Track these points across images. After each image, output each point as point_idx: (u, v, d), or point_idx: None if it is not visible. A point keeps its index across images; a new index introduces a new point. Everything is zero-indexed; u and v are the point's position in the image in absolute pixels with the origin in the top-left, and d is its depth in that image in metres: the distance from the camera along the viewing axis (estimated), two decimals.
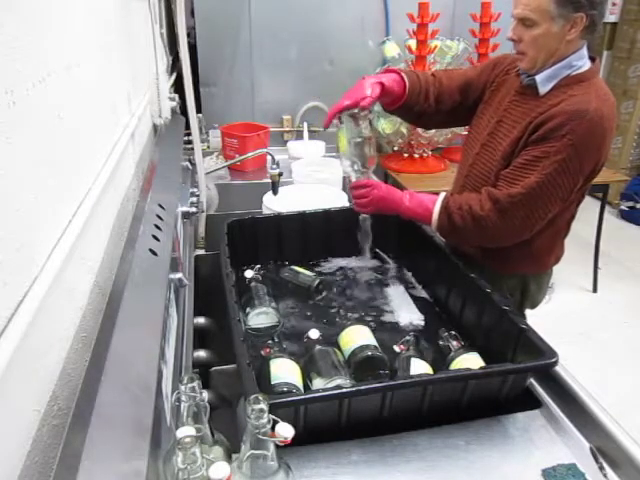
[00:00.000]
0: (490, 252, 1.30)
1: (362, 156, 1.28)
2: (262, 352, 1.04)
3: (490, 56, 2.78)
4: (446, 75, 1.41)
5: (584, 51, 1.19)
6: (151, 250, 0.94)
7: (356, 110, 1.24)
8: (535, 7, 1.13)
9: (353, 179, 1.31)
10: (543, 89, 1.20)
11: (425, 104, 1.36)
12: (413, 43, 2.60)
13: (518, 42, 1.19)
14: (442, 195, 1.27)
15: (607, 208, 3.12)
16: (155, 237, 1.00)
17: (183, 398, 0.66)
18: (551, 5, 1.11)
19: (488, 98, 1.35)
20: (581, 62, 1.19)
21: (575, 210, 1.32)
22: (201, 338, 1.30)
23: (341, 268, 1.47)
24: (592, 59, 1.21)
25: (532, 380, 0.99)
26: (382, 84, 1.28)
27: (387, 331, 1.19)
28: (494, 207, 1.19)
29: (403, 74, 1.34)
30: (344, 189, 2.00)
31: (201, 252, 1.68)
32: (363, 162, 1.29)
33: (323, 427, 0.86)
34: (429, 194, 1.29)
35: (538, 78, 1.20)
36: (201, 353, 1.24)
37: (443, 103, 1.37)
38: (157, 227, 1.04)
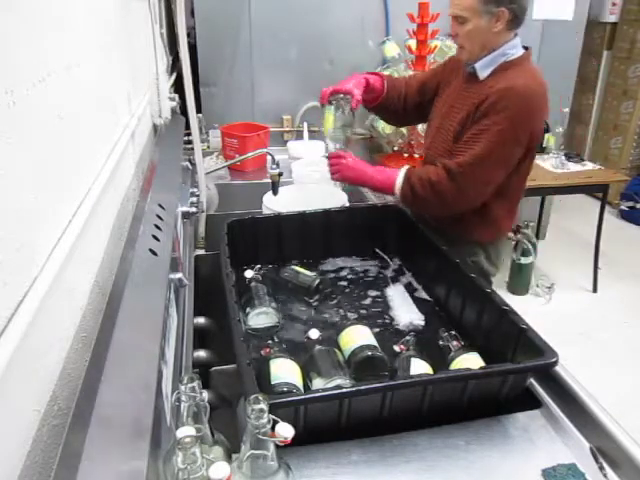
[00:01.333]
0: (452, 220, 1.47)
1: (344, 136, 1.52)
2: (262, 352, 1.04)
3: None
4: (412, 79, 1.68)
5: (516, 41, 1.40)
6: (151, 250, 0.94)
7: (342, 96, 1.48)
8: (464, 6, 1.34)
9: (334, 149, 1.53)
10: (482, 74, 1.41)
11: (398, 104, 1.62)
12: (413, 43, 2.60)
13: (456, 37, 1.41)
14: (404, 168, 1.46)
15: (607, 208, 3.12)
16: (155, 237, 1.00)
17: (183, 398, 0.66)
18: (477, 3, 1.32)
19: (442, 91, 1.56)
20: (514, 50, 1.40)
21: (525, 181, 1.51)
22: (201, 338, 1.30)
23: (341, 268, 1.47)
24: (525, 48, 1.43)
25: (532, 380, 0.99)
26: (367, 80, 1.54)
27: (387, 331, 1.20)
28: (447, 175, 1.37)
29: (384, 76, 1.61)
30: (344, 189, 2.00)
31: (201, 252, 1.68)
32: (344, 140, 1.53)
33: (323, 427, 0.86)
34: (393, 169, 1.49)
35: (477, 66, 1.41)
36: (201, 353, 1.24)
37: (408, 103, 1.63)
38: (157, 227, 1.04)
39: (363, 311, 1.27)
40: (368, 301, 1.32)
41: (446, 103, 1.51)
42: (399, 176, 1.44)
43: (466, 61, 1.44)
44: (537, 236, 3.35)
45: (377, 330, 1.15)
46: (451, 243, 1.29)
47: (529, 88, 1.34)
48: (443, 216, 1.48)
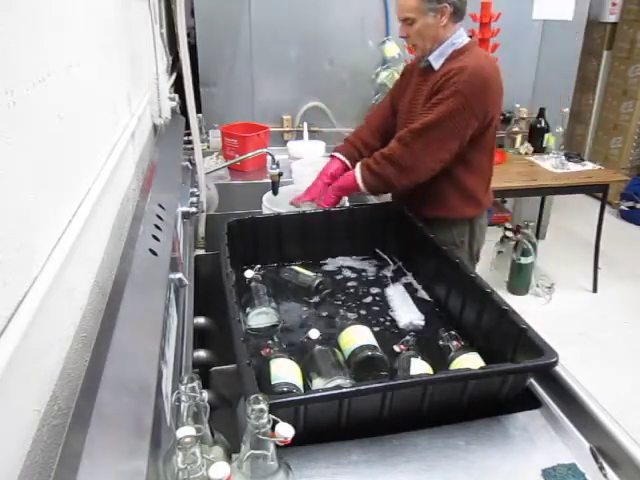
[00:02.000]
0: (436, 203, 1.58)
1: None
2: (262, 352, 1.03)
3: (490, 56, 2.78)
4: (380, 108, 1.79)
5: (461, 31, 1.53)
6: (151, 250, 0.94)
7: (310, 202, 1.62)
8: (410, 8, 1.47)
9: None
10: (436, 64, 1.53)
11: (374, 147, 1.66)
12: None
13: (408, 38, 1.55)
14: (359, 162, 1.56)
15: (607, 208, 3.11)
16: (155, 237, 1.00)
17: (183, 398, 0.66)
18: (420, 4, 1.46)
19: (405, 93, 1.66)
20: (461, 39, 1.52)
21: (492, 155, 1.63)
22: (201, 338, 1.30)
23: (341, 268, 1.47)
24: (470, 36, 1.56)
25: (532, 380, 0.99)
26: (324, 183, 1.64)
27: (387, 331, 1.20)
28: (399, 143, 1.48)
29: (342, 158, 1.69)
30: None
31: (201, 252, 1.68)
32: None
33: (323, 427, 0.86)
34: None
35: (431, 58, 1.54)
36: (201, 353, 1.24)
37: (388, 129, 1.69)
38: (157, 227, 1.04)
39: (363, 311, 1.27)
40: (368, 301, 1.32)
41: (408, 101, 1.62)
42: (356, 169, 1.54)
43: (421, 57, 1.58)
44: (537, 236, 3.35)
45: (377, 330, 1.15)
46: (441, 226, 1.43)
47: (477, 65, 1.45)
48: (424, 196, 1.56)
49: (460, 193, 1.59)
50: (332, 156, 1.73)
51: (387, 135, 1.65)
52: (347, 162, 1.68)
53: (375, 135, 1.73)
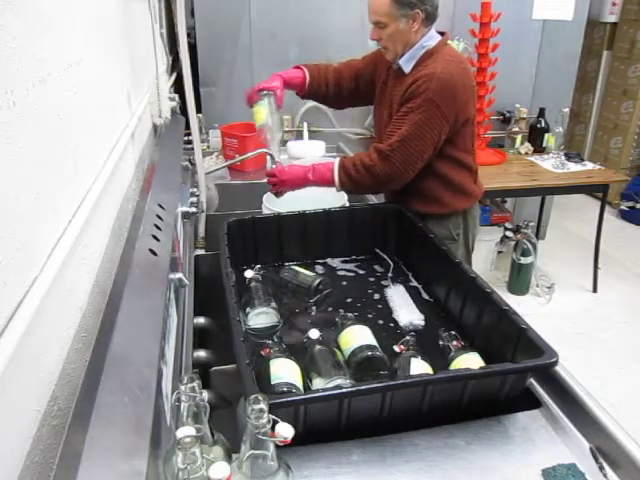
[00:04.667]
0: (430, 200, 1.60)
1: (278, 127, 1.66)
2: (262, 352, 1.03)
3: (490, 56, 2.79)
4: (346, 66, 1.76)
5: (432, 32, 1.53)
6: (151, 250, 0.94)
7: (266, 92, 1.61)
8: (382, 13, 1.47)
9: (271, 144, 1.66)
10: (407, 68, 1.54)
11: (327, 90, 1.73)
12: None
13: (379, 40, 1.54)
14: (337, 160, 1.56)
15: (607, 208, 3.11)
16: (155, 237, 1.00)
17: (183, 398, 0.66)
18: (392, 9, 1.45)
19: (381, 89, 1.66)
20: (431, 41, 1.52)
21: (473, 151, 1.65)
22: (201, 338, 1.30)
23: (341, 268, 1.47)
24: (442, 34, 1.55)
25: (532, 380, 0.99)
26: (281, 75, 1.66)
27: (387, 331, 1.20)
28: (379, 156, 1.49)
29: (305, 69, 1.71)
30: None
31: (201, 252, 1.68)
32: (280, 131, 1.68)
33: (323, 427, 0.86)
34: (327, 162, 1.58)
35: (401, 62, 1.54)
36: (201, 353, 1.24)
37: (342, 88, 1.73)
38: (157, 227, 1.04)
39: (363, 311, 1.27)
40: (368, 301, 1.32)
41: (384, 99, 1.64)
42: (335, 169, 1.54)
43: (391, 60, 1.57)
44: (537, 236, 3.35)
45: (377, 330, 1.15)
46: (436, 222, 1.46)
47: (445, 70, 1.45)
48: (416, 194, 1.59)
49: (450, 189, 1.61)
50: (297, 66, 1.74)
51: (340, 87, 1.72)
52: (307, 76, 1.71)
53: (337, 78, 1.74)
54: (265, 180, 1.65)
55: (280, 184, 1.58)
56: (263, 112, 1.61)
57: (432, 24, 1.52)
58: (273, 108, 1.61)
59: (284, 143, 2.73)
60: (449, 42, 2.38)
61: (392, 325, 1.22)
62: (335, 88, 1.72)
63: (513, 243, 3.01)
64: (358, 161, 1.52)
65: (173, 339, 0.96)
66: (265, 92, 1.60)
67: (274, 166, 1.64)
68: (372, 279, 1.42)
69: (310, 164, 1.59)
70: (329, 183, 1.55)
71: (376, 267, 1.48)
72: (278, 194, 1.62)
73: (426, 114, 1.44)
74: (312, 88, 1.72)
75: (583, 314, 2.93)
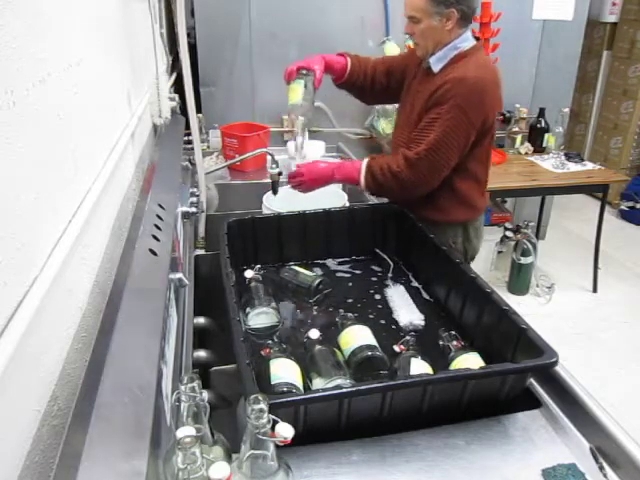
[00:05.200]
0: (429, 206, 1.57)
1: (309, 108, 1.59)
2: (262, 352, 1.03)
3: (490, 56, 2.78)
4: (380, 61, 1.75)
5: (467, 34, 1.51)
6: (151, 250, 0.94)
7: (306, 72, 1.57)
8: (417, 8, 1.45)
9: (300, 122, 1.62)
10: (436, 68, 1.51)
11: (364, 82, 1.70)
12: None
13: (412, 35, 1.52)
14: (365, 160, 1.56)
15: (607, 208, 3.11)
16: (155, 237, 1.00)
17: (183, 398, 0.66)
18: (427, 5, 1.43)
19: (408, 85, 1.65)
20: (465, 43, 1.50)
21: (487, 162, 1.62)
22: (201, 338, 1.29)
23: (341, 268, 1.47)
24: (477, 39, 1.54)
25: (532, 380, 0.99)
26: (326, 60, 1.64)
27: (387, 331, 1.20)
28: (406, 163, 1.48)
29: (347, 57, 1.70)
30: (344, 189, 2.00)
31: (201, 252, 1.68)
32: (310, 113, 1.60)
33: (323, 427, 0.86)
34: (354, 162, 1.59)
35: (431, 60, 1.52)
36: (201, 353, 1.24)
37: (375, 83, 1.71)
38: (157, 227, 1.04)
39: (363, 311, 1.27)
40: (368, 301, 1.32)
41: (409, 96, 1.62)
42: (362, 170, 1.54)
43: (422, 57, 1.55)
44: (537, 236, 3.35)
45: (377, 330, 1.15)
46: (434, 229, 1.41)
47: (476, 77, 1.44)
48: (418, 200, 1.57)
49: (454, 198, 1.59)
50: (342, 54, 1.73)
51: (374, 82, 1.70)
52: (349, 66, 1.69)
53: (372, 72, 1.72)
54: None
55: (303, 184, 1.58)
56: (297, 92, 1.56)
57: (467, 25, 1.50)
58: (309, 89, 1.57)
59: (284, 143, 2.74)
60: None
61: (392, 325, 1.22)
62: (370, 82, 1.71)
63: (513, 243, 3.00)
64: (385, 165, 1.51)
65: (173, 339, 0.96)
66: (304, 72, 1.56)
67: (293, 167, 1.62)
68: (372, 279, 1.42)
69: (334, 162, 1.61)
70: (354, 183, 1.56)
71: (376, 267, 1.48)
72: (302, 192, 1.61)
73: (454, 121, 1.43)
74: (351, 77, 1.69)
75: (583, 314, 2.93)
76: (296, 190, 1.61)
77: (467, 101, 1.42)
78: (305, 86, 1.56)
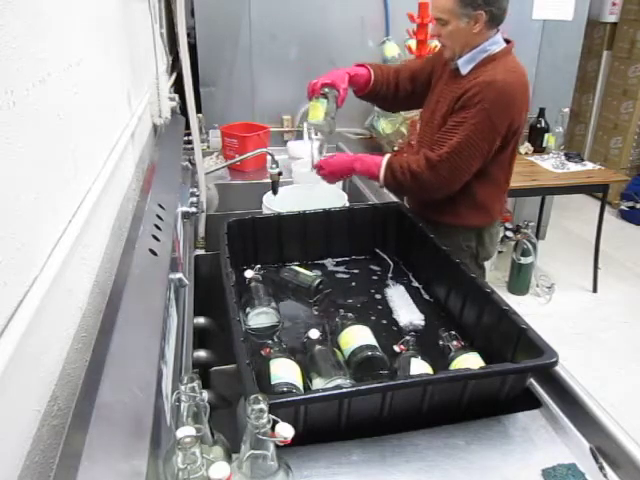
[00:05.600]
0: (443, 209, 1.56)
1: (330, 127, 1.58)
2: (262, 352, 1.03)
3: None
4: (403, 67, 1.74)
5: (497, 37, 1.48)
6: (151, 250, 0.94)
7: (328, 90, 1.54)
8: (444, 9, 1.42)
9: (314, 146, 1.65)
10: (464, 70, 1.49)
11: (387, 91, 1.69)
12: (413, 43, 2.59)
13: (439, 37, 1.50)
14: (386, 157, 1.55)
15: (607, 208, 3.11)
16: (155, 237, 1.00)
17: (183, 398, 0.66)
18: (455, 7, 1.40)
19: (433, 86, 1.63)
20: (495, 46, 1.47)
21: (509, 168, 1.59)
22: (201, 338, 1.30)
23: (341, 268, 1.47)
24: (507, 41, 1.51)
25: (532, 380, 0.99)
26: (349, 75, 1.62)
27: (387, 331, 1.20)
28: (427, 164, 1.46)
29: (370, 68, 1.67)
30: (344, 189, 2.00)
31: (201, 252, 1.68)
32: (329, 130, 1.59)
33: (323, 427, 0.86)
34: (375, 156, 1.58)
35: (459, 62, 1.49)
36: (201, 353, 1.24)
37: (399, 90, 1.69)
38: (157, 227, 1.04)
39: (363, 311, 1.27)
40: (368, 301, 1.32)
41: (434, 97, 1.59)
42: (382, 166, 1.53)
43: (449, 59, 1.52)
44: (537, 236, 3.35)
45: (377, 330, 1.15)
46: (447, 231, 1.42)
47: (505, 81, 1.41)
48: (430, 202, 1.57)
49: (470, 202, 1.56)
50: (363, 65, 1.70)
51: (397, 89, 1.68)
52: (372, 78, 1.66)
53: (395, 79, 1.69)
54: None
55: (329, 175, 1.60)
56: (319, 110, 1.54)
57: (497, 27, 1.47)
58: (332, 107, 1.54)
59: (284, 143, 2.74)
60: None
61: (392, 325, 1.22)
62: (394, 89, 1.69)
63: (513, 243, 3.01)
64: (405, 164, 1.49)
65: (173, 339, 0.96)
66: (327, 90, 1.53)
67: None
68: (372, 279, 1.42)
69: (357, 154, 1.63)
70: (374, 177, 1.55)
71: (376, 267, 1.48)
72: (327, 181, 1.65)
73: (479, 126, 1.40)
74: (375, 88, 1.68)
75: (583, 314, 2.93)
76: (323, 179, 1.63)
77: (494, 106, 1.39)
78: (327, 104, 1.53)
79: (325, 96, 1.53)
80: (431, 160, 1.45)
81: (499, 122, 1.41)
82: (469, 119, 1.41)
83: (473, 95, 1.40)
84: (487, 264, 1.76)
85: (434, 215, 1.55)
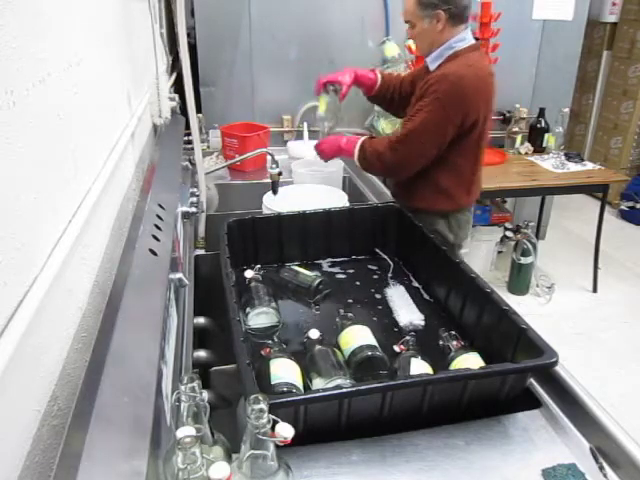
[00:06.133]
0: (414, 193, 1.71)
1: (334, 118, 1.78)
2: (262, 352, 1.03)
3: (490, 56, 2.78)
4: (408, 73, 1.92)
5: (464, 35, 1.58)
6: (151, 250, 0.94)
7: (333, 87, 1.72)
8: (409, 12, 1.58)
9: (325, 130, 1.81)
10: (432, 66, 1.62)
11: (393, 94, 1.82)
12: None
13: (413, 39, 1.67)
14: (362, 138, 1.69)
15: (607, 208, 3.11)
16: (155, 237, 1.00)
17: (183, 398, 0.66)
18: (416, 9, 1.55)
19: (417, 85, 1.74)
20: (461, 43, 1.57)
21: (475, 159, 1.68)
22: (201, 338, 1.30)
23: (341, 268, 1.47)
24: (477, 39, 1.63)
25: (532, 380, 0.99)
26: (356, 74, 1.78)
27: (387, 331, 1.20)
28: (388, 145, 1.61)
29: (377, 72, 1.84)
30: (344, 189, 2.00)
31: (201, 252, 1.68)
32: (333, 121, 1.79)
33: (323, 427, 0.86)
34: (357, 138, 1.72)
35: (428, 60, 1.64)
36: (201, 353, 1.24)
37: (403, 93, 1.80)
38: (157, 227, 1.04)
39: (363, 311, 1.27)
40: (368, 301, 1.32)
41: (415, 92, 1.72)
42: (357, 146, 1.68)
43: (423, 57, 1.68)
44: (537, 236, 3.35)
45: (377, 330, 1.15)
46: (417, 215, 1.51)
47: (457, 75, 1.51)
48: (403, 189, 1.75)
49: (434, 188, 1.68)
50: (374, 69, 1.87)
51: (401, 92, 1.81)
52: (379, 80, 1.82)
53: (400, 83, 1.83)
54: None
55: (321, 152, 1.75)
56: (322, 104, 1.75)
57: (461, 23, 1.56)
58: (334, 102, 1.74)
59: (284, 143, 2.74)
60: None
61: (392, 325, 1.22)
62: (398, 93, 1.81)
63: (513, 243, 3.01)
64: (375, 145, 1.65)
65: (173, 339, 0.96)
66: (332, 86, 1.72)
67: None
68: (372, 279, 1.42)
69: (346, 136, 1.77)
70: (351, 156, 1.70)
71: (376, 267, 1.48)
72: (321, 158, 1.79)
73: (432, 114, 1.51)
74: (381, 91, 1.82)
75: (583, 314, 2.93)
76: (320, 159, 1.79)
77: (447, 97, 1.50)
78: (329, 99, 1.73)
79: (327, 92, 1.72)
80: (392, 141, 1.61)
81: (452, 113, 1.51)
82: (424, 107, 1.53)
83: (429, 86, 1.54)
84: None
85: (406, 199, 1.69)
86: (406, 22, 1.61)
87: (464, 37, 1.57)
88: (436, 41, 1.58)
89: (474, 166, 1.69)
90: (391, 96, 1.83)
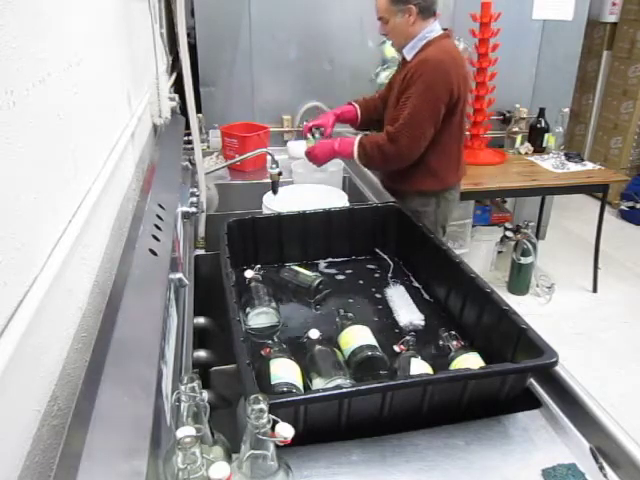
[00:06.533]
0: (401, 177, 1.84)
1: None
2: (262, 352, 1.03)
3: (490, 56, 2.79)
4: (383, 89, 2.05)
5: (434, 26, 1.75)
6: (151, 250, 0.94)
7: (318, 129, 1.98)
8: (382, 9, 1.75)
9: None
10: (409, 57, 1.78)
11: (377, 117, 1.99)
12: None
13: (386, 35, 1.83)
14: (359, 136, 1.82)
15: (607, 208, 3.11)
16: (155, 237, 1.00)
17: (183, 398, 0.66)
18: (389, 5, 1.72)
19: (393, 79, 1.92)
20: (432, 33, 1.74)
21: (460, 137, 1.85)
22: (201, 338, 1.30)
23: (341, 268, 1.47)
24: (445, 29, 1.78)
25: (532, 380, 0.98)
26: (334, 113, 2.02)
27: (387, 331, 1.19)
28: (387, 138, 1.73)
29: (355, 105, 2.04)
30: (344, 189, 2.00)
31: (201, 252, 1.68)
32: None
33: (323, 427, 0.86)
34: (352, 137, 1.85)
35: (404, 51, 1.80)
36: (201, 353, 1.24)
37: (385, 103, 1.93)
38: (157, 227, 1.04)
39: (363, 311, 1.27)
40: (368, 301, 1.32)
41: (394, 84, 1.87)
42: (355, 143, 1.80)
43: (398, 50, 1.84)
44: (537, 236, 3.35)
45: (377, 330, 1.15)
46: (405, 197, 1.69)
47: (436, 58, 1.68)
48: (392, 172, 1.87)
49: (423, 170, 1.81)
50: (349, 103, 2.06)
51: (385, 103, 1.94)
52: (358, 110, 2.02)
53: (380, 100, 2.01)
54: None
55: (314, 158, 1.86)
56: (310, 144, 1.98)
57: (431, 17, 1.74)
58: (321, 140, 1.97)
59: (284, 143, 2.74)
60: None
61: (392, 325, 1.22)
62: (382, 108, 1.96)
63: (513, 243, 3.00)
64: (373, 140, 1.77)
65: (173, 339, 0.96)
66: (317, 129, 1.98)
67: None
68: (372, 279, 1.42)
69: (335, 138, 1.90)
70: (350, 156, 1.81)
71: (376, 267, 1.48)
72: (315, 164, 1.91)
73: (423, 96, 1.66)
74: (364, 120, 2.03)
75: (583, 314, 2.93)
76: (314, 164, 1.91)
77: (432, 77, 1.66)
78: (315, 140, 1.97)
79: (313, 135, 1.98)
80: (390, 133, 1.72)
81: (440, 91, 1.67)
82: (414, 93, 1.67)
83: (413, 73, 1.68)
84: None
85: (395, 182, 1.84)
86: (379, 19, 1.76)
87: (434, 28, 1.74)
88: (409, 34, 1.74)
89: (459, 145, 1.85)
90: (377, 117, 1.98)
